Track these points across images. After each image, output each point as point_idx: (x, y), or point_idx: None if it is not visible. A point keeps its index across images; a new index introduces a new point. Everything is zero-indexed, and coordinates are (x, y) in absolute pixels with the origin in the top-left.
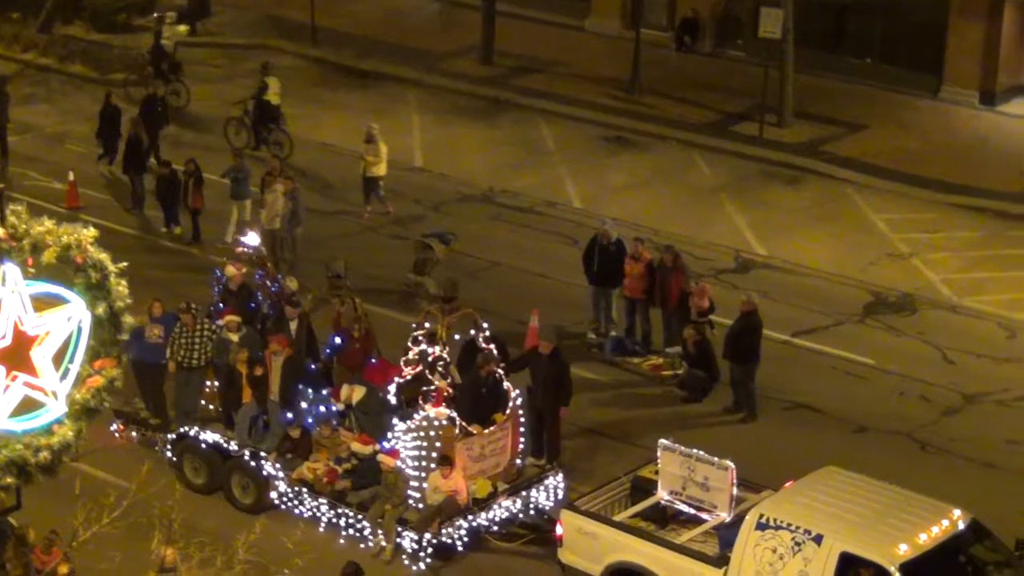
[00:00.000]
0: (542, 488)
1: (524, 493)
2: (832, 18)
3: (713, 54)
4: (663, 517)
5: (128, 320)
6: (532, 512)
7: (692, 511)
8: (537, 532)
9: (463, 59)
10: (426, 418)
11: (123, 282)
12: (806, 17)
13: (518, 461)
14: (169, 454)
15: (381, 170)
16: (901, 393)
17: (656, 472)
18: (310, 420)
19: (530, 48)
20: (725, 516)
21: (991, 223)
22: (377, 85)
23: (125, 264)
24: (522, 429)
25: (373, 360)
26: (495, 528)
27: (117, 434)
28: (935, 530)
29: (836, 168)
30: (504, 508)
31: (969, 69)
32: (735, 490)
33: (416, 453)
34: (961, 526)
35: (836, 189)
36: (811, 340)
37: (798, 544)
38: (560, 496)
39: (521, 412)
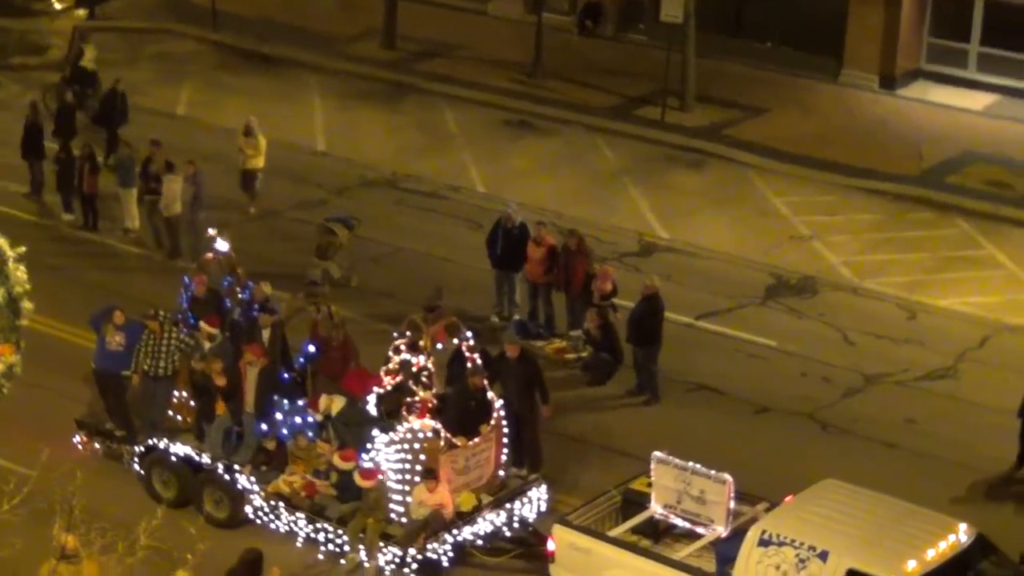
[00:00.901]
0: (526, 500)
1: (508, 506)
2: (733, 2)
3: (615, 38)
4: (656, 531)
5: (28, 306)
6: (516, 525)
7: (687, 525)
8: (524, 546)
9: (365, 43)
10: (410, 430)
11: (22, 267)
12: (707, 1)
13: (501, 472)
14: (136, 467)
15: (259, 163)
16: (803, 374)
17: (649, 485)
18: (285, 432)
19: (433, 32)
20: (722, 531)
21: (890, 206)
22: (279, 69)
23: (23, 249)
24: (505, 440)
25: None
26: (480, 543)
27: (80, 446)
28: (942, 545)
29: (738, 152)
30: (489, 521)
31: (869, 53)
32: (732, 504)
33: (400, 466)
34: (968, 541)
35: (738, 172)
36: (714, 323)
37: (803, 561)
38: (543, 508)
39: (504, 423)
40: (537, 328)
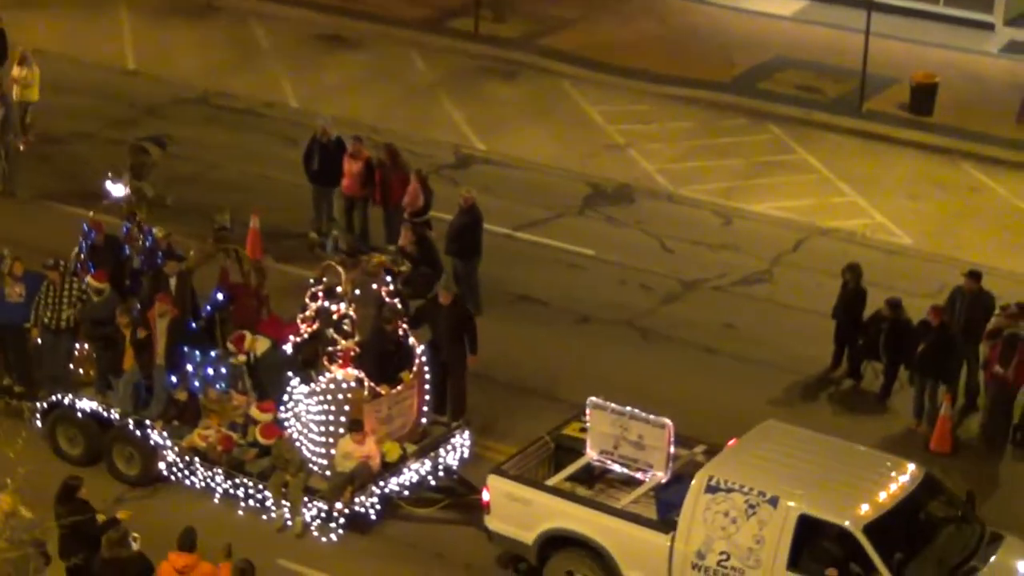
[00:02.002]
0: (449, 447)
1: (433, 454)
2: None
3: None
4: (591, 478)
5: None
6: (441, 474)
7: (624, 471)
8: (452, 496)
9: None
10: (333, 380)
11: None
12: None
13: (423, 420)
14: (39, 424)
15: (34, 95)
16: (622, 282)
17: (582, 430)
18: (196, 384)
19: None
20: (662, 476)
21: (703, 113)
22: None
23: None
24: (427, 386)
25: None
26: (406, 493)
27: None
28: (893, 487)
29: (552, 62)
30: (414, 471)
31: None
32: (672, 448)
33: (322, 418)
34: (917, 481)
35: (553, 83)
36: (532, 233)
37: (752, 507)
38: (467, 455)
39: (426, 368)
40: (360, 244)
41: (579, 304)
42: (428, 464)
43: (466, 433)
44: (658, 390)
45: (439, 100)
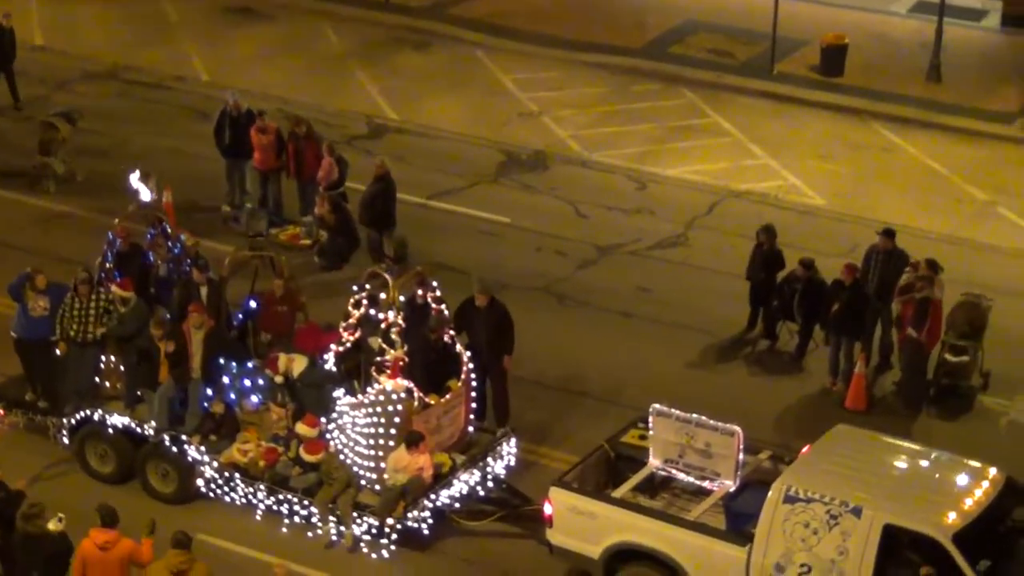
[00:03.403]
0: (497, 456)
1: (482, 464)
2: None
3: None
4: (652, 487)
5: None
6: (491, 484)
7: (688, 480)
8: (505, 507)
9: None
10: (382, 391)
11: None
12: None
13: (470, 429)
14: (66, 441)
15: None
16: (537, 249)
17: (641, 437)
18: (233, 396)
19: None
20: (730, 484)
21: (615, 79)
22: None
23: None
24: (474, 394)
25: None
26: (457, 506)
27: None
28: (978, 493)
29: (464, 31)
30: (463, 482)
31: None
32: (741, 456)
33: (371, 431)
34: (999, 487)
35: (465, 51)
36: (447, 202)
37: (834, 517)
38: (513, 463)
39: (473, 376)
40: (270, 215)
41: (495, 271)
42: (477, 474)
43: (512, 440)
44: (576, 355)
45: (351, 71)
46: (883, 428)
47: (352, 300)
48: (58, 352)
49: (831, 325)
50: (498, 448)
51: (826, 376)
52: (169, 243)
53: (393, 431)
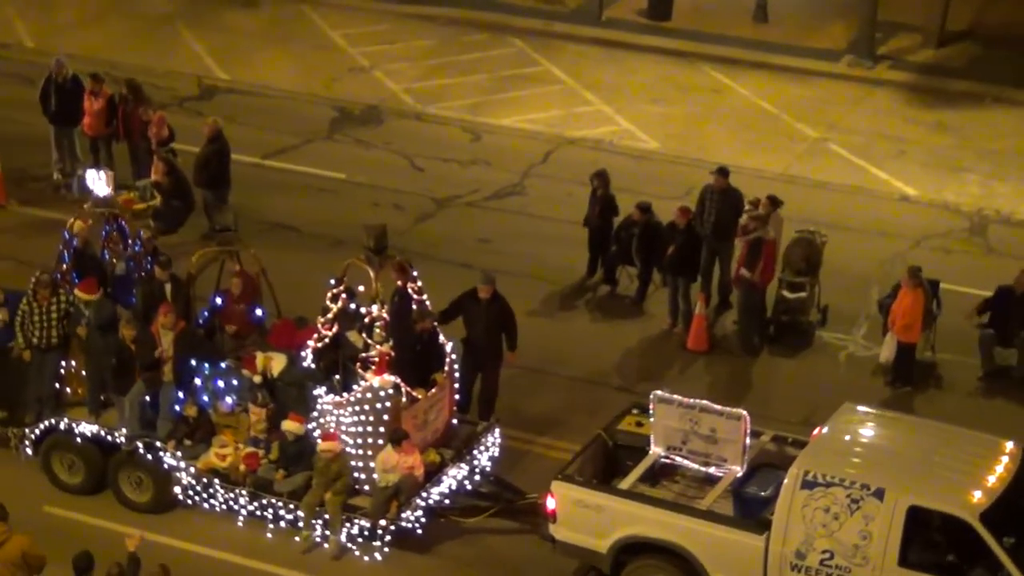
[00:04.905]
0: (483, 448)
1: (468, 457)
2: None
3: None
4: (652, 475)
5: None
6: (477, 477)
7: (694, 466)
8: (498, 502)
9: None
10: (369, 388)
11: None
12: None
13: (454, 421)
14: (29, 452)
15: None
16: (375, 204)
17: (638, 424)
18: (206, 398)
19: None
20: (738, 469)
21: (445, 30)
22: None
23: None
24: (457, 385)
25: (257, 312)
26: (446, 502)
27: None
28: (999, 469)
29: None
30: (452, 477)
31: None
32: (748, 440)
33: (358, 430)
34: (1018, 461)
35: (292, 9)
36: (281, 160)
37: (856, 501)
38: (497, 454)
39: (457, 368)
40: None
41: (333, 228)
42: (465, 469)
43: (496, 431)
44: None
45: (178, 31)
46: (724, 370)
47: (329, 294)
48: (24, 360)
49: (667, 268)
50: (483, 440)
51: (667, 318)
52: (129, 240)
53: (382, 429)
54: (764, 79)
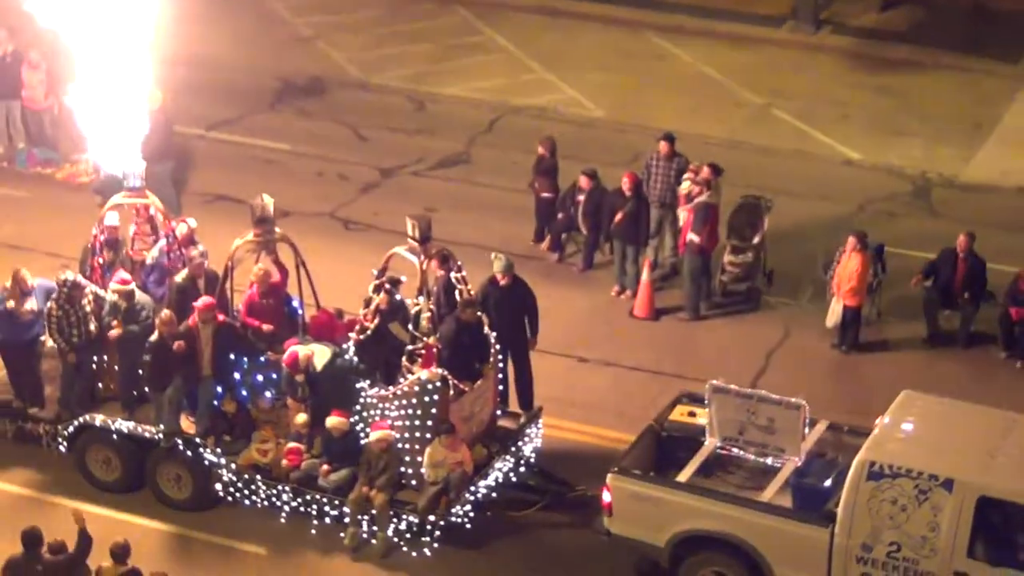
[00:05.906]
0: (527, 440)
1: (514, 449)
2: None
3: None
4: (706, 466)
5: None
6: (523, 469)
7: (751, 457)
8: (547, 495)
9: None
10: (417, 382)
11: None
12: None
13: (498, 413)
14: (64, 448)
15: None
16: (319, 174)
17: (690, 414)
18: (244, 393)
19: None
20: (796, 460)
21: (389, 0)
22: None
23: None
24: (500, 376)
25: (294, 303)
26: (494, 496)
27: None
28: None
29: None
30: (498, 470)
31: None
32: (807, 430)
33: (406, 423)
34: None
35: None
36: (225, 132)
37: (923, 492)
38: (539, 444)
39: (500, 358)
40: (45, 155)
41: (278, 199)
42: (510, 461)
43: (539, 422)
44: (365, 279)
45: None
46: (670, 333)
47: (372, 285)
48: (68, 360)
49: (614, 234)
50: (527, 432)
51: (614, 286)
52: (160, 231)
53: (430, 423)
54: (707, 45)
